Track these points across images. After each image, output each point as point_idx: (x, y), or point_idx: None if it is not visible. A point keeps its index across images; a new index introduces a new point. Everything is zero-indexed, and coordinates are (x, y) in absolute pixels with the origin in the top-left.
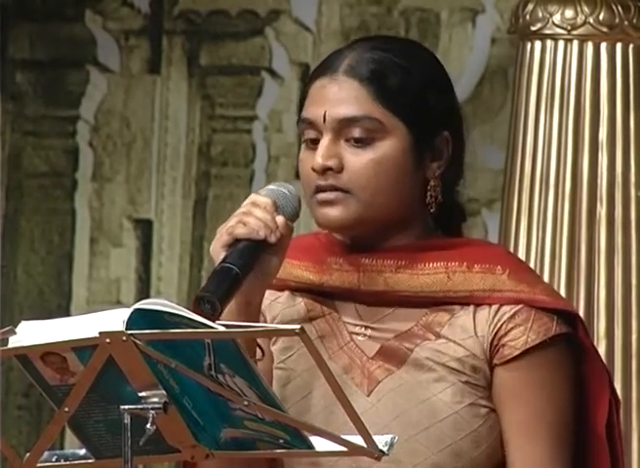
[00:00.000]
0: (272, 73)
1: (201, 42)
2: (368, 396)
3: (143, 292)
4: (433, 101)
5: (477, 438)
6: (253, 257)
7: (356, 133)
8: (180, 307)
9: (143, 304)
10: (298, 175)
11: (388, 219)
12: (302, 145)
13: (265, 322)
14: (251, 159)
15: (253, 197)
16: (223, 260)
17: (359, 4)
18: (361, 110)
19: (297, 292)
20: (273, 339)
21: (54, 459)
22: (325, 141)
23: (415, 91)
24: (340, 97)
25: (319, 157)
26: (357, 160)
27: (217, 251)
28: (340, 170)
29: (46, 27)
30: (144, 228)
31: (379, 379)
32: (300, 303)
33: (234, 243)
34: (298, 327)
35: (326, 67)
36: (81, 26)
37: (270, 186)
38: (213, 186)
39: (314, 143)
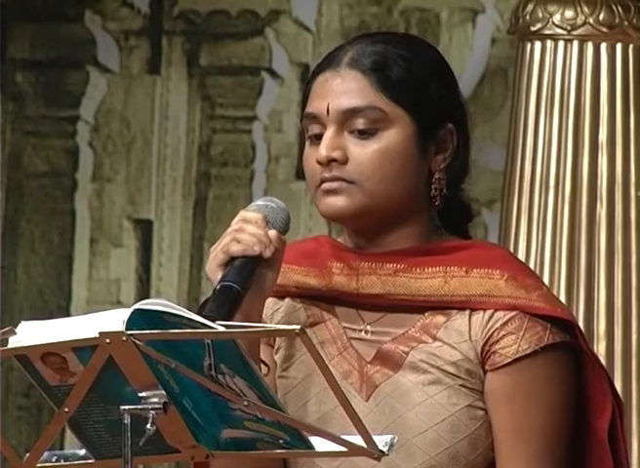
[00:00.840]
0: (272, 73)
1: (201, 42)
2: (366, 401)
3: (143, 293)
4: (436, 92)
5: (474, 440)
6: (250, 274)
7: (360, 124)
8: (179, 307)
9: (143, 304)
10: (298, 176)
11: (392, 210)
12: (307, 142)
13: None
14: (251, 159)
15: (242, 214)
16: (222, 279)
17: (359, 4)
18: (364, 101)
19: (297, 298)
20: (275, 348)
21: (54, 459)
22: (329, 133)
23: (417, 81)
24: (344, 89)
25: (323, 149)
26: (362, 151)
27: (213, 270)
28: (345, 161)
29: (46, 28)
30: (144, 228)
31: (376, 384)
32: (301, 309)
33: (230, 261)
34: (297, 327)
35: (328, 62)
36: (81, 27)
37: (258, 202)
38: (213, 186)
39: (318, 139)
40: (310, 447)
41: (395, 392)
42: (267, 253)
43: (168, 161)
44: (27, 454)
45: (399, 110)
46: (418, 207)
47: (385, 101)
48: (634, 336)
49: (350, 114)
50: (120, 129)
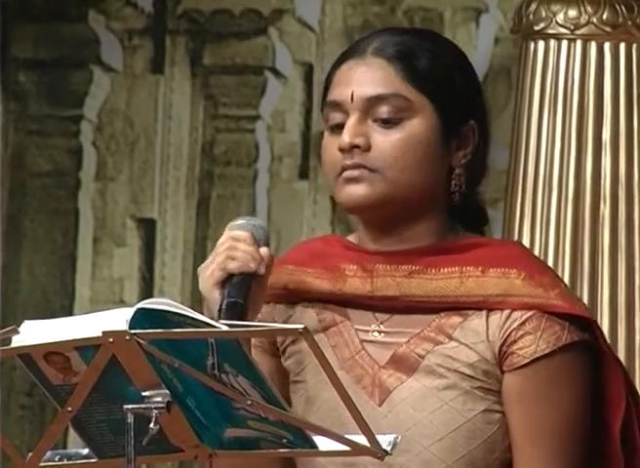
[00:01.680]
0: (275, 73)
1: (204, 41)
2: (379, 406)
3: (147, 292)
4: (460, 86)
5: (491, 445)
6: (249, 290)
7: (384, 112)
8: (183, 307)
9: (147, 304)
10: (301, 175)
11: (413, 202)
12: (326, 132)
13: (280, 341)
14: (254, 159)
15: (230, 233)
16: (227, 296)
17: (362, 4)
18: (389, 88)
19: (309, 301)
20: (287, 355)
21: (56, 459)
22: (352, 121)
23: (443, 72)
24: (369, 77)
25: (346, 135)
26: (385, 139)
27: (209, 289)
28: (368, 149)
29: (49, 27)
30: (148, 227)
31: (390, 389)
32: (312, 314)
33: (227, 279)
34: (301, 326)
35: (353, 51)
36: (84, 26)
37: (240, 221)
38: (216, 186)
39: (339, 128)
40: (314, 446)
41: (410, 397)
42: (262, 270)
43: (171, 160)
44: (30, 454)
45: (424, 100)
46: (436, 202)
47: (410, 90)
48: (637, 336)
49: (375, 102)
50: (123, 128)
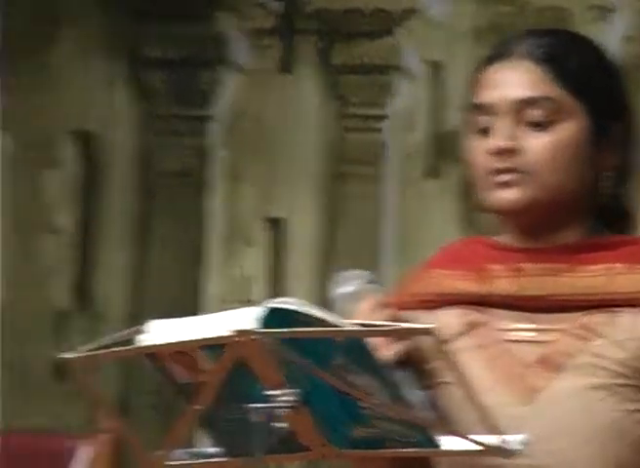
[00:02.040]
0: (404, 72)
1: (333, 41)
2: (526, 406)
3: (275, 291)
4: (607, 86)
5: None
6: None
7: (534, 115)
8: (311, 305)
9: (275, 303)
10: (429, 174)
11: (561, 204)
12: (474, 135)
13: (422, 346)
14: (382, 158)
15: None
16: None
17: (492, 3)
18: (539, 91)
19: (453, 304)
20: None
21: (184, 457)
22: (502, 124)
23: (590, 73)
24: (517, 79)
25: (497, 139)
26: (536, 142)
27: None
28: (519, 152)
29: (177, 26)
30: (276, 227)
31: (537, 388)
32: (456, 316)
33: None
34: (430, 326)
35: (498, 54)
36: (213, 26)
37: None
38: (344, 185)
39: (488, 131)
40: (440, 445)
41: (557, 397)
42: None
43: (300, 160)
44: (158, 452)
45: (573, 102)
46: (584, 204)
47: (560, 92)
48: None
49: (525, 105)
50: (252, 128)
